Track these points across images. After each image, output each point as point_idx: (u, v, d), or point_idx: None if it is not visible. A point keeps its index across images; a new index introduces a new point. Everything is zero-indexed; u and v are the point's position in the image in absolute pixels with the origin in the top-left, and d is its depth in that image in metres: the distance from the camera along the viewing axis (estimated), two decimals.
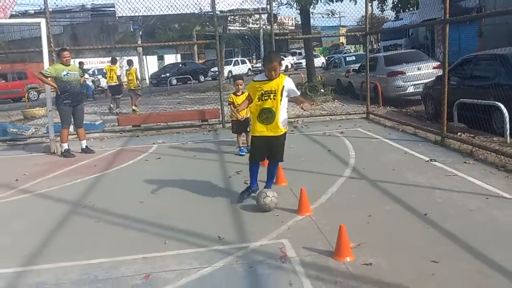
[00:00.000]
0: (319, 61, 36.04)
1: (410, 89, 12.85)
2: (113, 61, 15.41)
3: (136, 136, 9.91)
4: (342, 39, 56.57)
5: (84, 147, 8.25)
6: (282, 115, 4.61)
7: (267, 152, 4.79)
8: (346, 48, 49.71)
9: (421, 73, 12.73)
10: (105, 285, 3.31)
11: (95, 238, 4.24)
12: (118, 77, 14.92)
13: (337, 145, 7.54)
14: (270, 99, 4.54)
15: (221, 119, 10.34)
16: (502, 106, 6.96)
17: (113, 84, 14.88)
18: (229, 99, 7.27)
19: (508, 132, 6.86)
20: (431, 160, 6.16)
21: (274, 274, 3.30)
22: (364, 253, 3.53)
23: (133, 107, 14.12)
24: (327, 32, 39.16)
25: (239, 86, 7.10)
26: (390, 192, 4.98)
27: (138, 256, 3.73)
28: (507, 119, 6.86)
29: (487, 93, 7.60)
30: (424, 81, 11.52)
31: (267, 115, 4.58)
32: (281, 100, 4.56)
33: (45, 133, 9.69)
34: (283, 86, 4.55)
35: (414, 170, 5.73)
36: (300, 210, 4.49)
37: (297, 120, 10.38)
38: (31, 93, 22.17)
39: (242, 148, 7.33)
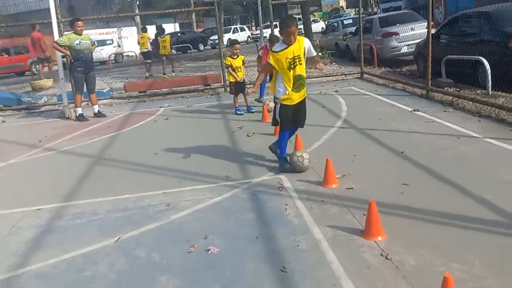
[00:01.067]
0: (319, 26, 36.05)
1: (404, 49, 13.33)
2: (144, 30, 17.40)
3: (143, 101, 10.54)
4: (342, 3, 56.09)
5: (96, 111, 8.89)
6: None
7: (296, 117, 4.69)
8: (346, 11, 49.46)
9: (414, 33, 13.16)
10: (134, 212, 4.03)
11: (120, 180, 4.95)
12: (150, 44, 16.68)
13: (331, 102, 8.17)
14: (299, 64, 4.39)
15: (222, 84, 10.93)
16: (485, 61, 7.50)
17: (145, 50, 16.52)
18: (226, 62, 7.88)
19: (490, 84, 7.44)
20: (414, 110, 6.80)
21: (272, 199, 4.01)
22: (347, 181, 4.22)
23: (163, 74, 15.42)
24: None
25: (236, 50, 7.69)
26: (375, 137, 5.65)
27: (159, 191, 4.45)
28: (489, 73, 7.42)
29: (473, 49, 8.13)
30: (418, 41, 12.01)
31: (300, 82, 4.46)
32: (304, 64, 4.46)
33: (57, 101, 10.32)
34: (304, 48, 4.43)
35: (398, 119, 6.39)
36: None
37: None
38: (34, 67, 22.64)
39: (239, 108, 7.96)
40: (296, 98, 4.52)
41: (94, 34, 32.97)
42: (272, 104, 6.58)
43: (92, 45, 8.69)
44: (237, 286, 2.74)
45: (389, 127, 6.05)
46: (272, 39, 7.76)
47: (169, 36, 16.61)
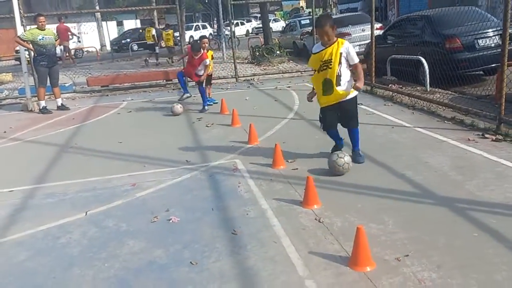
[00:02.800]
0: (279, 25, 36.82)
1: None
2: (167, 27, 20.30)
3: (106, 95, 10.82)
4: (302, 3, 57.17)
5: (59, 104, 9.13)
6: (342, 83, 4.33)
7: (338, 119, 4.61)
8: (305, 11, 50.55)
9: (365, 34, 14.01)
10: (102, 191, 4.46)
11: (87, 166, 5.35)
12: (153, 37, 19.21)
13: (285, 96, 8.79)
14: (328, 68, 4.25)
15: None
16: (423, 60, 8.30)
17: (151, 43, 19.62)
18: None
19: (428, 82, 8.25)
20: (357, 104, 7.49)
21: (227, 179, 4.55)
22: (293, 164, 4.81)
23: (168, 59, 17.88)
24: None
25: (204, 44, 8.20)
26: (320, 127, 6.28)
27: (124, 174, 4.89)
28: (427, 71, 8.23)
29: (415, 50, 8.94)
30: (367, 41, 12.85)
31: (327, 86, 4.34)
32: (338, 68, 4.24)
33: (19, 94, 10.45)
34: (341, 53, 4.22)
35: None
36: (250, 141, 5.74)
37: (253, 78, 11.53)
38: None
39: (209, 99, 8.53)
40: (327, 100, 4.43)
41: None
42: (179, 109, 7.70)
43: (56, 40, 8.91)
44: (195, 246, 3.25)
45: None
46: (195, 47, 7.89)
47: (172, 30, 19.63)
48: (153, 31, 19.28)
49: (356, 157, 4.67)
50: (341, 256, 2.92)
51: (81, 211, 4.00)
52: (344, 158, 4.31)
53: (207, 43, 8.34)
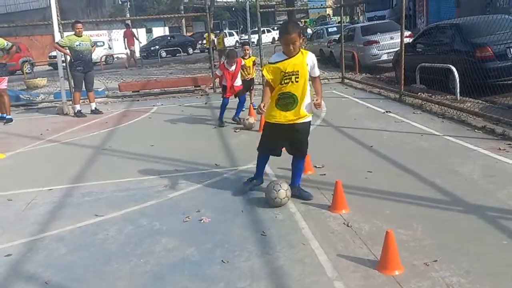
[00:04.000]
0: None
1: (384, 57, 14.14)
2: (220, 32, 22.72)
3: (137, 101, 11.12)
4: (329, 11, 57.21)
5: (93, 108, 9.44)
6: (306, 100, 3.85)
7: (284, 142, 4.10)
8: (332, 19, 50.54)
9: (393, 42, 13.96)
10: (136, 191, 4.63)
11: (121, 167, 5.55)
12: (213, 41, 19.95)
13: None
14: (292, 81, 3.74)
15: (212, 85, 11.54)
16: (454, 69, 8.25)
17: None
18: None
19: (458, 90, 8.19)
20: (386, 111, 7.52)
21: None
22: (322, 170, 4.88)
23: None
24: (313, 4, 40.05)
25: (246, 51, 8.38)
26: (348, 134, 6.34)
27: (156, 176, 5.06)
28: (457, 80, 8.17)
29: (445, 58, 8.90)
30: (396, 49, 12.81)
31: (287, 101, 3.80)
32: (305, 81, 3.77)
33: (55, 98, 10.86)
34: (307, 64, 3.77)
35: (371, 119, 7.09)
36: None
37: None
38: (25, 66, 22.98)
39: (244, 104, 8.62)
40: (278, 116, 3.87)
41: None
42: (251, 120, 7.08)
43: (92, 46, 9.24)
44: (226, 245, 3.36)
45: (362, 125, 6.75)
46: (231, 54, 7.39)
47: (222, 35, 21.11)
48: (212, 36, 20.14)
49: (303, 193, 4.13)
50: (369, 260, 2.97)
51: (116, 209, 4.17)
52: (281, 190, 3.90)
53: (248, 49, 8.52)
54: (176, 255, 3.28)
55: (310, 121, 4.04)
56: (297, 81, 3.75)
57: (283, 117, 3.87)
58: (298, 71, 3.73)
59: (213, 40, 19.68)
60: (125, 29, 23.21)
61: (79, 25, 8.94)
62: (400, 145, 5.59)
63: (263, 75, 4.05)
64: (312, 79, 3.96)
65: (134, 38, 22.85)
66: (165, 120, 8.44)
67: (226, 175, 4.96)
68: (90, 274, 3.09)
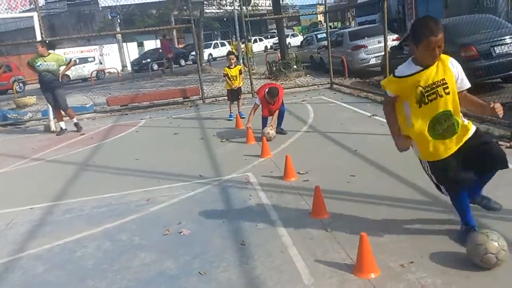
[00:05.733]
0: (298, 40, 37.03)
1: (372, 61, 14.19)
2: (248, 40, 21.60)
3: (125, 115, 11.08)
4: (320, 17, 57.42)
5: (74, 123, 9.22)
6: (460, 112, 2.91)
7: (467, 165, 2.95)
8: (324, 26, 50.81)
9: (381, 45, 13.94)
10: (117, 207, 4.58)
11: (103, 183, 5.50)
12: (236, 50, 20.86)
13: (300, 110, 8.86)
14: (440, 95, 2.80)
15: (201, 96, 11.55)
16: None
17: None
18: (224, 72, 8.68)
19: None
20: (372, 115, 7.51)
21: (239, 192, 4.61)
22: (305, 176, 4.85)
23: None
24: (305, 11, 40.32)
25: (231, 60, 8.43)
26: (334, 139, 6.32)
27: (140, 190, 5.01)
28: None
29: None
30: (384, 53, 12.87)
31: (446, 124, 2.85)
32: (454, 93, 2.85)
33: (42, 116, 10.82)
34: (453, 73, 2.84)
35: (357, 124, 7.08)
36: (263, 154, 5.80)
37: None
38: (17, 85, 22.97)
39: (231, 114, 8.66)
40: (442, 149, 2.89)
41: (76, 52, 33.54)
42: (272, 133, 6.53)
43: (67, 64, 8.95)
44: (204, 256, 3.32)
45: (348, 130, 6.73)
46: (273, 93, 6.63)
47: (251, 44, 21.73)
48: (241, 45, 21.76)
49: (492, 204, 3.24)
50: (346, 264, 2.94)
51: (96, 226, 4.12)
52: (498, 241, 2.66)
53: (233, 59, 8.55)
54: (153, 269, 3.23)
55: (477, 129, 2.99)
56: (447, 93, 2.80)
57: (445, 148, 2.90)
58: (443, 80, 2.79)
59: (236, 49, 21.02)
60: (162, 39, 26.30)
61: (38, 45, 8.80)
62: (384, 148, 5.55)
63: (383, 89, 3.11)
64: (463, 96, 2.93)
65: (170, 47, 25.21)
66: (152, 133, 8.41)
67: (209, 186, 4.92)
68: None
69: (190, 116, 9.82)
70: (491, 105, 2.81)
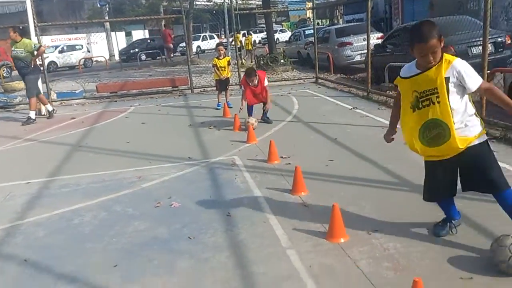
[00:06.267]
0: (287, 35, 37.33)
1: (357, 58, 14.62)
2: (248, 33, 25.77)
3: (114, 101, 11.30)
4: (309, 14, 57.81)
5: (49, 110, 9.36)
6: (461, 119, 2.77)
7: (455, 181, 2.98)
8: (312, 22, 51.16)
9: (366, 43, 14.47)
10: (111, 183, 4.89)
11: (96, 162, 5.79)
12: (240, 42, 23.01)
13: (286, 102, 9.22)
14: (433, 102, 2.75)
15: (190, 86, 11.83)
16: None
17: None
18: (213, 62, 8.99)
19: None
20: (353, 108, 7.92)
21: (225, 173, 4.96)
22: (287, 160, 5.21)
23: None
24: (294, 7, 40.61)
25: (220, 51, 8.72)
26: (316, 128, 6.70)
27: (131, 169, 5.32)
28: None
29: (412, 58, 9.33)
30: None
31: (434, 132, 2.78)
32: (448, 99, 2.71)
33: None
34: (447, 78, 2.70)
35: (338, 115, 7.47)
36: (249, 140, 6.15)
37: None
38: (3, 70, 22.84)
39: (219, 103, 8.94)
40: (433, 153, 2.88)
41: (63, 39, 33.36)
42: (253, 122, 6.65)
43: (36, 50, 8.84)
44: (193, 225, 3.66)
45: (330, 121, 7.12)
46: (250, 73, 6.92)
47: (251, 36, 23.88)
48: (241, 37, 23.82)
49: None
50: (320, 232, 3.31)
51: (91, 198, 4.42)
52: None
53: (221, 50, 8.85)
54: (146, 234, 3.56)
55: (486, 141, 2.87)
56: (438, 101, 2.73)
57: (440, 153, 2.84)
58: (436, 88, 2.72)
59: (240, 41, 22.94)
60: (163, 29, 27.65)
61: (10, 31, 8.76)
62: (362, 137, 5.97)
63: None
64: (484, 95, 2.97)
65: (170, 37, 26.60)
66: (141, 119, 8.68)
67: (197, 167, 5.25)
68: (66, 252, 3.35)
69: (178, 104, 10.10)
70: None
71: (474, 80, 2.72)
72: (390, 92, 9.18)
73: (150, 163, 5.54)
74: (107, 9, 34.04)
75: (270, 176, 4.71)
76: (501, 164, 3.83)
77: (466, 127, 2.77)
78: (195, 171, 5.12)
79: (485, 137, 2.86)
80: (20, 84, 15.96)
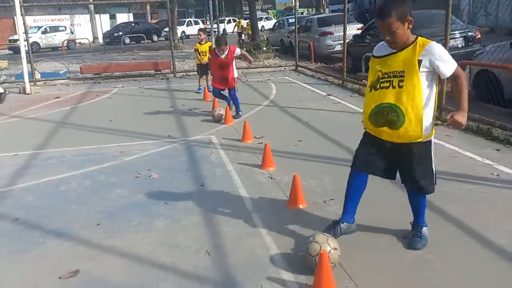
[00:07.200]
0: (272, 23, 37.54)
1: (338, 48, 15.00)
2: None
3: (98, 83, 11.55)
4: (295, 2, 58.11)
5: None
6: (419, 111, 2.60)
7: (389, 164, 2.88)
8: (298, 10, 51.31)
9: (347, 33, 14.90)
10: (95, 156, 5.24)
11: (81, 137, 6.13)
12: (242, 27, 23.67)
13: (265, 88, 9.61)
14: (393, 86, 2.62)
15: (172, 70, 12.11)
16: None
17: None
18: (195, 47, 9.29)
19: None
20: (328, 95, 8.36)
21: (202, 150, 5.35)
22: (260, 140, 5.62)
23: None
24: None
25: (200, 36, 9.11)
26: (291, 112, 7.12)
27: (114, 144, 5.67)
28: None
29: None
30: (348, 40, 13.72)
31: (387, 118, 2.65)
32: (417, 85, 2.57)
33: (16, 79, 11.17)
34: (420, 60, 2.56)
35: (313, 101, 7.90)
36: (226, 121, 6.53)
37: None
38: None
39: (200, 87, 9.28)
40: (379, 134, 2.76)
41: (46, 20, 33.01)
42: (220, 113, 6.50)
43: None
44: (169, 193, 4.05)
45: (304, 106, 7.54)
46: (219, 42, 6.78)
47: (249, 22, 22.71)
48: (243, 22, 24.00)
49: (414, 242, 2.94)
50: (283, 200, 3.74)
51: (77, 169, 4.77)
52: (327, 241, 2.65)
53: (201, 34, 9.15)
54: (127, 200, 3.94)
55: (429, 142, 2.76)
56: (400, 86, 2.60)
57: (385, 134, 2.73)
58: (402, 71, 2.60)
59: (242, 26, 23.52)
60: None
61: None
62: (332, 121, 6.42)
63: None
64: (449, 81, 2.68)
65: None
66: (124, 100, 8.98)
67: (176, 144, 5.63)
68: (53, 212, 3.72)
69: (161, 87, 10.41)
70: (450, 116, 2.55)
71: (449, 66, 2.57)
72: (365, 81, 9.65)
73: (132, 140, 5.89)
74: None
75: (243, 153, 5.12)
76: (472, 155, 4.39)
77: (421, 122, 2.59)
78: (173, 148, 5.49)
79: (431, 139, 2.76)
80: (3, 64, 16.07)
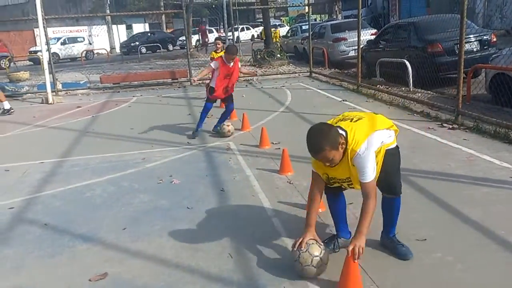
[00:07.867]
0: (285, 30, 37.75)
1: (352, 53, 15.06)
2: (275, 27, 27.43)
3: (117, 92, 11.80)
4: (308, 9, 58.39)
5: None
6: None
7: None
8: (311, 17, 51.50)
9: (361, 39, 14.95)
10: (118, 163, 5.40)
11: (103, 145, 6.31)
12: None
13: (280, 94, 9.72)
14: (344, 188, 3.00)
15: (189, 78, 12.31)
16: (407, 63, 9.18)
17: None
18: (211, 55, 9.39)
19: (411, 82, 9.11)
20: (342, 100, 8.43)
21: (220, 155, 5.47)
22: (277, 145, 5.72)
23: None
24: (291, 2, 40.98)
25: (218, 45, 9.14)
26: (307, 118, 7.21)
27: (136, 152, 5.83)
28: (410, 73, 9.10)
29: (402, 53, 9.84)
30: (362, 46, 13.77)
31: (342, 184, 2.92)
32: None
33: (38, 90, 11.50)
34: (354, 165, 2.70)
35: (327, 106, 7.99)
36: (243, 127, 6.66)
37: (252, 79, 12.47)
38: (2, 61, 23.25)
39: None
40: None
41: (64, 31, 33.75)
42: (229, 128, 6.34)
43: None
44: (191, 198, 4.17)
45: (320, 112, 7.63)
46: (232, 50, 6.36)
47: (278, 30, 26.50)
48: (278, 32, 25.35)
49: (399, 249, 2.99)
50: (302, 204, 3.82)
51: (101, 176, 4.94)
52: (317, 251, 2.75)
53: (219, 43, 9.28)
54: (150, 205, 4.08)
55: (397, 147, 3.03)
56: (350, 186, 2.89)
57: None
58: (349, 178, 2.81)
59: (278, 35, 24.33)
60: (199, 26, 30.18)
61: None
62: None
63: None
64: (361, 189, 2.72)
65: (207, 32, 29.46)
66: (143, 108, 9.18)
67: (195, 150, 5.77)
68: (80, 218, 3.87)
69: (178, 95, 10.60)
70: (350, 249, 2.52)
71: (365, 176, 2.65)
72: (381, 86, 9.70)
73: (153, 146, 6.05)
74: (108, 1, 34.42)
75: (261, 159, 5.22)
76: (490, 159, 4.44)
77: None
78: (193, 154, 5.63)
79: (396, 144, 2.98)
80: (25, 75, 16.49)
